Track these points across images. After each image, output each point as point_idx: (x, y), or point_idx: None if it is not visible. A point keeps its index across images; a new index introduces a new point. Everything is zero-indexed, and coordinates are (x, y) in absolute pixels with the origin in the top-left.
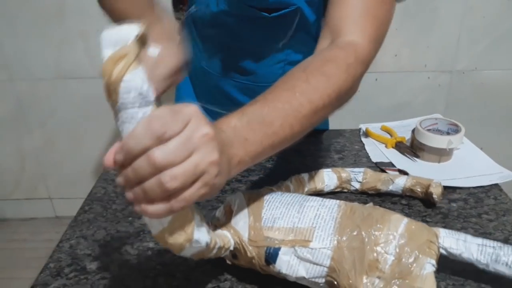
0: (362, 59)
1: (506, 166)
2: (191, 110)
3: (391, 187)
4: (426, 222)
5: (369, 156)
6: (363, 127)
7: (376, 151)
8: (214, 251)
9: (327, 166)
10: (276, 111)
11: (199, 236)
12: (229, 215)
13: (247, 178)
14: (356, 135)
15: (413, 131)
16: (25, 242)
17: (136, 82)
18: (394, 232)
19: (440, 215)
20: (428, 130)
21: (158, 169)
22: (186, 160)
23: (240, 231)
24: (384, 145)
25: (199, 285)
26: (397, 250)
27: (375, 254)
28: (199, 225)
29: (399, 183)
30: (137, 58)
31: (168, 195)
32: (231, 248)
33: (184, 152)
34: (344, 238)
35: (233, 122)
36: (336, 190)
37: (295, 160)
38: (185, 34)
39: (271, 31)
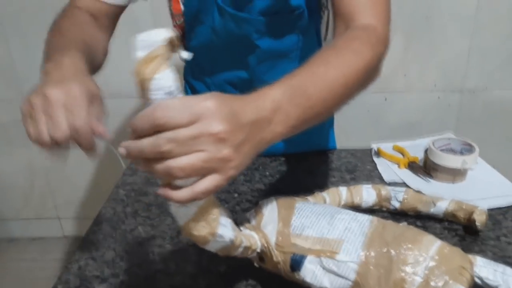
0: (382, 40)
1: None
2: (207, 105)
3: (432, 210)
4: None
5: (381, 176)
6: (374, 146)
7: (389, 171)
8: (240, 250)
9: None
10: (314, 85)
11: (223, 231)
12: (259, 218)
13: (258, 199)
14: (367, 155)
15: (426, 151)
16: (33, 261)
17: (165, 81)
18: (424, 254)
19: (456, 238)
20: (442, 150)
21: (164, 154)
22: (194, 154)
23: (268, 234)
24: (396, 165)
25: None
26: (426, 272)
27: (402, 274)
28: (223, 221)
29: (441, 206)
30: (167, 59)
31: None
32: (258, 250)
33: (190, 146)
34: (372, 254)
35: (278, 96)
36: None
37: (306, 179)
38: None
39: (281, 34)
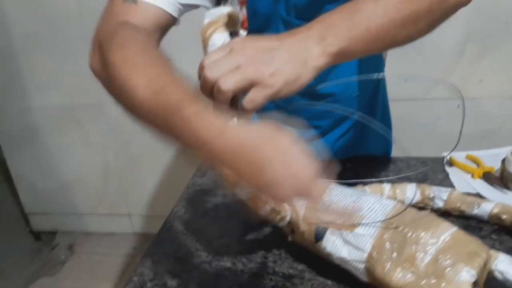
0: None
1: None
2: (235, 42)
3: (476, 211)
4: None
5: (454, 186)
6: (447, 155)
7: (462, 181)
8: (268, 208)
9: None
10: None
11: None
12: None
13: None
14: (439, 164)
15: (503, 161)
16: (105, 255)
17: (220, 41)
18: (437, 236)
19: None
20: None
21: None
22: (234, 70)
23: (298, 208)
24: (470, 175)
25: None
26: (437, 251)
27: (413, 251)
28: None
29: (486, 208)
30: (224, 25)
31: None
32: (288, 218)
33: (227, 66)
34: (388, 231)
35: (322, 16)
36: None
37: None
38: None
39: None
